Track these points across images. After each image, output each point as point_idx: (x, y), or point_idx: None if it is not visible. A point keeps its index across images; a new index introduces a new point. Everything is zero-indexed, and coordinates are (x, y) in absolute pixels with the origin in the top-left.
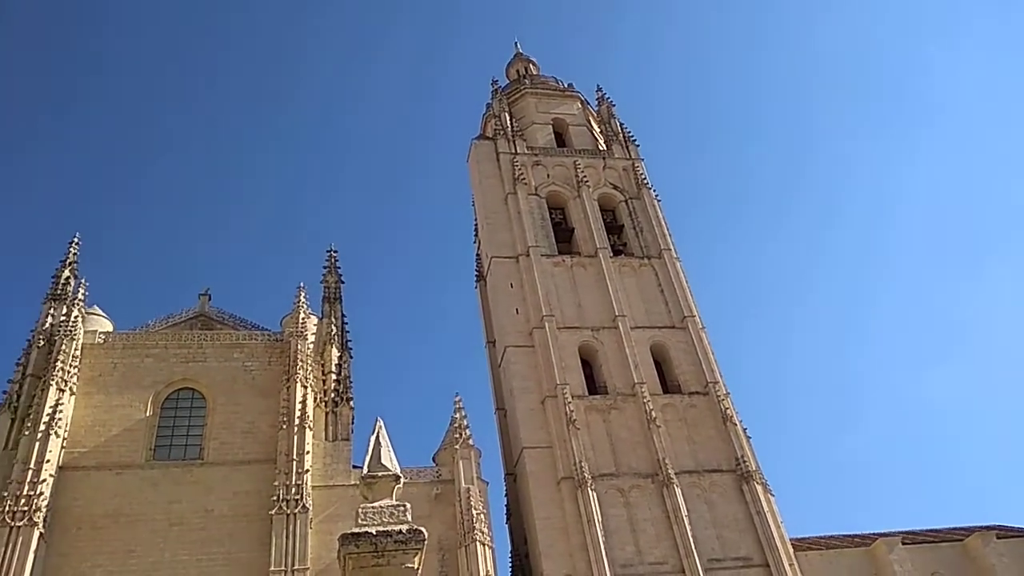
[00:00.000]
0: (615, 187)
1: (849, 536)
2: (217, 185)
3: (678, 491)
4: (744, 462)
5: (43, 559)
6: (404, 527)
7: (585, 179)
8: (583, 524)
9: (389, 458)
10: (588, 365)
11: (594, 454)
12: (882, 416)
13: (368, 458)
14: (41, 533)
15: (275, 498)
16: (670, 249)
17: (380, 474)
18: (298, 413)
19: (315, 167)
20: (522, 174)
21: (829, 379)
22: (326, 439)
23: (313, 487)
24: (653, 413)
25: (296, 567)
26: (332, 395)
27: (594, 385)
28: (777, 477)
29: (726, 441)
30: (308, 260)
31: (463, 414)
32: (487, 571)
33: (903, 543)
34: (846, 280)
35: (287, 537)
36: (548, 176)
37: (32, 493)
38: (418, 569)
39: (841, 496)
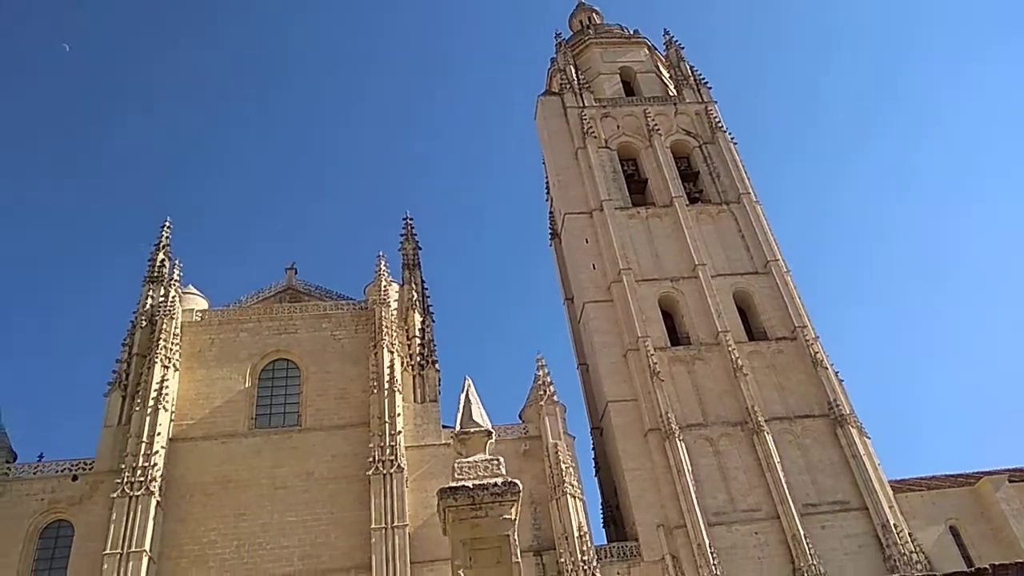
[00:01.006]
0: (688, 133)
1: (952, 476)
2: (295, 160)
3: (769, 438)
4: (837, 406)
5: (161, 525)
6: (499, 480)
7: (656, 127)
8: (672, 474)
9: (480, 415)
10: (669, 316)
11: (680, 405)
12: (980, 350)
13: (459, 415)
14: (158, 501)
15: (371, 459)
16: (749, 193)
17: (472, 430)
18: (387, 377)
19: (387, 137)
20: (591, 127)
21: (920, 315)
22: (415, 401)
23: (406, 447)
24: (739, 361)
25: (396, 524)
26: (418, 359)
27: (676, 336)
28: (872, 420)
29: (817, 386)
30: (386, 229)
31: (546, 371)
32: (579, 523)
33: (1010, 481)
34: (931, 208)
35: (385, 496)
36: (618, 127)
37: (147, 464)
38: (515, 520)
39: (941, 437)
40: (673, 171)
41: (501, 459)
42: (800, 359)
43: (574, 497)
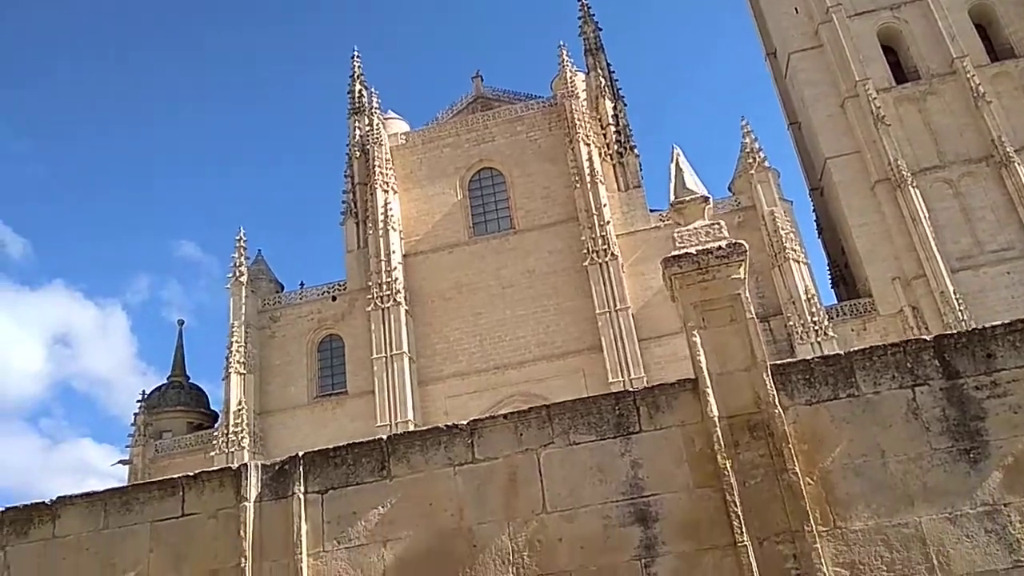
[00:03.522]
0: None
1: None
2: None
3: (1020, 170)
4: None
5: (413, 330)
6: (723, 242)
7: None
8: (907, 224)
9: (693, 181)
10: (891, 51)
11: (911, 148)
12: None
13: (672, 185)
14: (406, 310)
15: (584, 251)
16: None
17: (688, 198)
18: (587, 171)
19: None
20: None
21: None
22: (619, 190)
23: (617, 236)
24: (980, 88)
25: (618, 307)
26: (615, 147)
27: (901, 73)
28: None
29: None
30: (563, 17)
31: (753, 137)
32: (806, 286)
33: None
34: None
35: (604, 283)
36: None
37: (390, 280)
38: (744, 279)
39: None
40: None
41: (722, 223)
42: None
43: (797, 262)
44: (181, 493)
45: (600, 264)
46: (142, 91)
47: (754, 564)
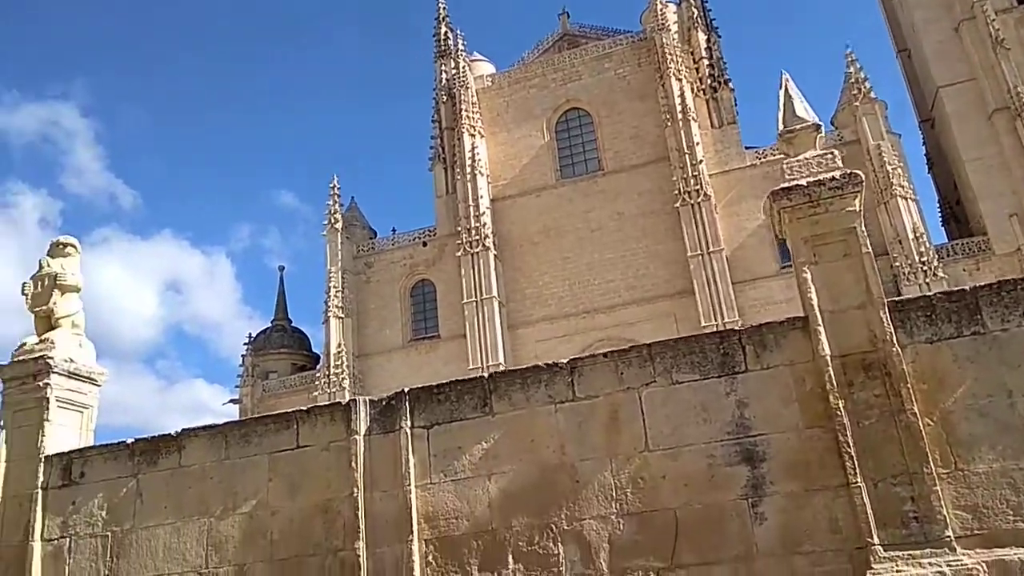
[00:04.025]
0: None
1: None
2: None
3: None
4: None
5: (502, 274)
6: (837, 173)
7: None
8: None
9: (803, 108)
10: None
11: None
12: None
13: (781, 114)
14: (495, 255)
15: (676, 192)
16: None
17: (799, 126)
18: (678, 107)
19: None
20: None
21: None
22: (712, 127)
23: (710, 175)
24: None
25: (711, 249)
26: (708, 81)
27: None
28: None
29: None
30: None
31: (858, 67)
32: (914, 223)
33: None
34: None
35: (696, 225)
36: None
37: (479, 225)
38: (859, 211)
39: None
40: None
41: (835, 152)
42: None
43: (905, 198)
44: (295, 427)
45: (692, 205)
46: (238, 46)
47: (868, 505)
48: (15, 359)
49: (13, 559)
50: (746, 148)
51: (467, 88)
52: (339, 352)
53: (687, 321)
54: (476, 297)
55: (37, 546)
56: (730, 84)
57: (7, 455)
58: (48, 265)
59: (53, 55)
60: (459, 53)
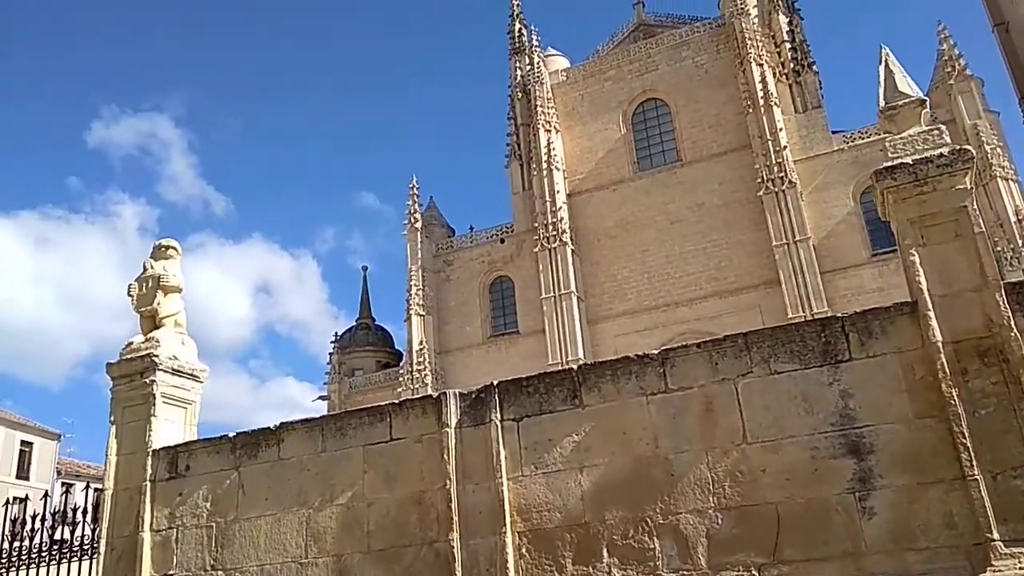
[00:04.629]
0: None
1: None
2: None
3: None
4: None
5: (580, 269)
6: (945, 149)
7: None
8: None
9: (906, 83)
10: None
11: None
12: None
13: (882, 89)
14: (572, 250)
15: (759, 180)
16: None
17: (901, 102)
18: (760, 93)
19: None
20: None
21: None
22: (796, 112)
23: (795, 162)
24: None
25: (797, 238)
26: (791, 65)
27: None
28: None
29: None
30: None
31: (951, 43)
32: (1016, 206)
33: None
34: None
35: (780, 213)
36: None
37: (555, 220)
38: (970, 189)
39: None
40: None
41: (943, 127)
42: None
43: (1005, 179)
44: (388, 420)
45: (776, 193)
46: (316, 53)
47: (987, 499)
48: (123, 357)
49: (125, 549)
50: (833, 132)
51: (542, 84)
52: (421, 349)
53: (772, 313)
54: (554, 292)
55: (147, 536)
56: (814, 67)
57: (117, 449)
58: (151, 267)
59: (148, 70)
60: (533, 49)
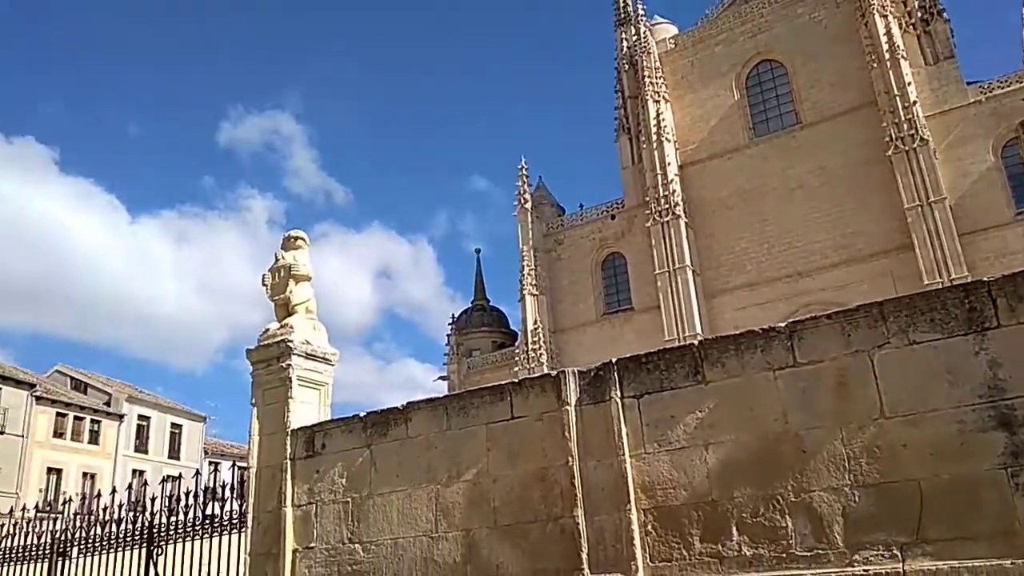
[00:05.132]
0: None
1: None
2: None
3: None
4: None
5: (695, 242)
6: None
7: None
8: None
9: None
10: None
11: None
12: None
13: None
14: (686, 222)
15: (887, 139)
16: None
17: None
18: (885, 46)
19: None
20: None
21: None
22: (925, 64)
23: (926, 117)
24: None
25: (931, 199)
26: (918, 14)
27: None
28: None
29: None
30: None
31: None
32: None
33: None
34: None
35: (912, 173)
36: None
37: (667, 193)
38: None
39: None
40: None
41: None
42: None
43: None
44: (509, 398)
45: (906, 152)
46: (421, 42)
47: None
48: (260, 344)
49: (270, 523)
50: (968, 84)
51: (649, 53)
52: (535, 328)
53: (906, 280)
54: (668, 267)
55: (289, 511)
56: (944, 15)
57: (259, 429)
58: (282, 257)
59: (268, 69)
60: (639, 19)
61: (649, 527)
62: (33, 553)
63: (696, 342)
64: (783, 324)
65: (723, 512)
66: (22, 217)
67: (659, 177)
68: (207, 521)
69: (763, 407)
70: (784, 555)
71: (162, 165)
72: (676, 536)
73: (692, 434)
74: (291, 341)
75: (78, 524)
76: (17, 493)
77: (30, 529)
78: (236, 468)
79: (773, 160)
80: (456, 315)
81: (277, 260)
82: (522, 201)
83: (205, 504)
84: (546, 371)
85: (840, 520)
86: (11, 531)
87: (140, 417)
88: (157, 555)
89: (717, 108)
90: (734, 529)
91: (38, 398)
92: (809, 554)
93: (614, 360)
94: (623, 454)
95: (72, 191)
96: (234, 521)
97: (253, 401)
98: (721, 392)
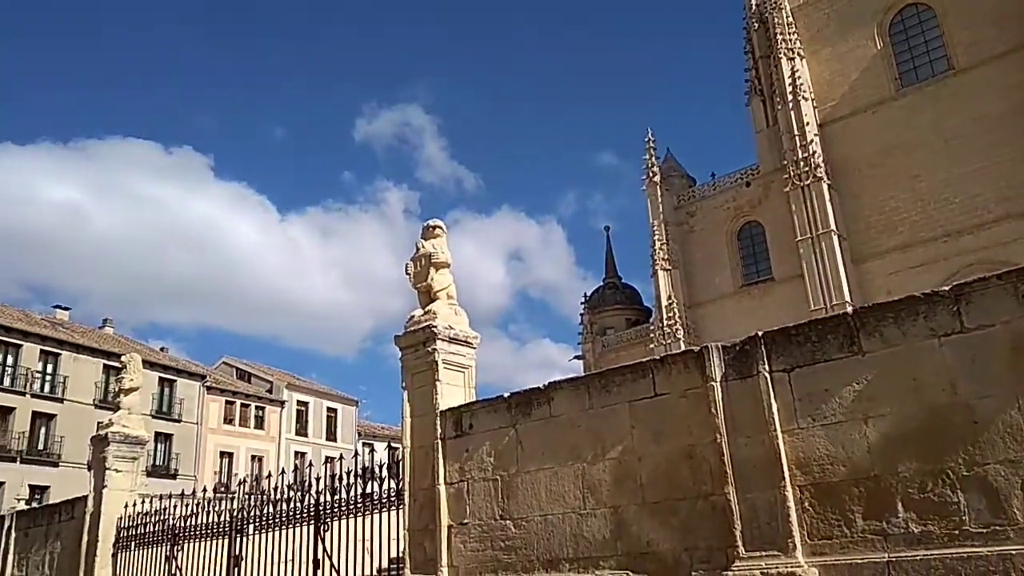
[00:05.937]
0: None
1: None
2: None
3: None
4: None
5: (839, 205)
6: None
7: None
8: None
9: None
10: None
11: None
12: None
13: None
14: (829, 184)
15: None
16: None
17: None
18: None
19: None
20: None
21: None
22: None
23: None
24: None
25: None
26: None
27: None
28: None
29: None
30: None
31: None
32: None
33: None
34: None
35: None
36: None
37: (807, 155)
38: None
39: None
40: None
41: None
42: None
43: None
44: (651, 376)
45: None
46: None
47: None
48: (407, 330)
49: (426, 501)
50: None
51: (780, 8)
52: (670, 304)
53: None
54: (811, 233)
55: (442, 488)
56: None
57: (411, 412)
58: (422, 247)
59: (397, 64)
60: None
61: (806, 504)
62: (215, 530)
63: (850, 311)
64: (947, 288)
65: (887, 488)
66: (184, 221)
67: (797, 139)
68: (366, 499)
69: (928, 377)
70: (956, 532)
71: (305, 165)
72: (836, 513)
73: (849, 408)
74: (435, 326)
75: (252, 503)
76: (195, 476)
77: (210, 508)
78: (390, 449)
79: (924, 111)
80: (588, 294)
81: (418, 249)
82: (650, 174)
83: (365, 483)
84: (683, 347)
85: (1019, 494)
86: (195, 510)
87: (299, 403)
88: (324, 531)
89: (858, 60)
90: (899, 505)
91: (209, 388)
92: (985, 531)
93: (760, 333)
94: (775, 430)
95: (227, 194)
96: (392, 499)
97: (403, 384)
98: (880, 363)
